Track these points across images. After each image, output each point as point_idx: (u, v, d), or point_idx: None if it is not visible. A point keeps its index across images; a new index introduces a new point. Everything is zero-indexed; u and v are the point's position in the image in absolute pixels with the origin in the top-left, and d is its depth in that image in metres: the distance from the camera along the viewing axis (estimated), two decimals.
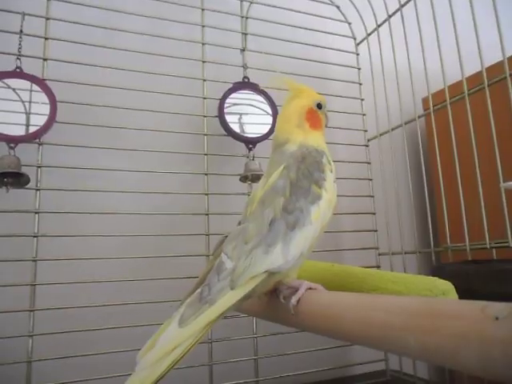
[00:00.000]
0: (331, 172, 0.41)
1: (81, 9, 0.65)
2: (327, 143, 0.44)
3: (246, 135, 0.69)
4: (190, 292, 0.37)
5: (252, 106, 0.71)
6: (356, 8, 0.82)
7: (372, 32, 0.82)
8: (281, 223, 0.35)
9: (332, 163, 0.42)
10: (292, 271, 0.37)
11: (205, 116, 0.70)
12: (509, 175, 0.55)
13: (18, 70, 0.58)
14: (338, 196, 0.41)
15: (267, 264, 0.34)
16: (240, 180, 0.69)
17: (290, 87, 0.45)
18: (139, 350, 0.30)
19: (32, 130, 0.57)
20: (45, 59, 0.61)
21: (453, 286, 0.41)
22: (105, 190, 0.62)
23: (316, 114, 0.45)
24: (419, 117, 0.71)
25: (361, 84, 0.84)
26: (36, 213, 0.57)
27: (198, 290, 0.33)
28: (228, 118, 0.69)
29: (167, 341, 0.30)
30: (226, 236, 0.38)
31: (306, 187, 0.38)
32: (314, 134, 0.44)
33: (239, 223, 0.38)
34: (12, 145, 0.55)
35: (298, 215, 0.36)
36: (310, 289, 0.37)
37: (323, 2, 0.85)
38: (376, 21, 0.80)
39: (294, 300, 0.36)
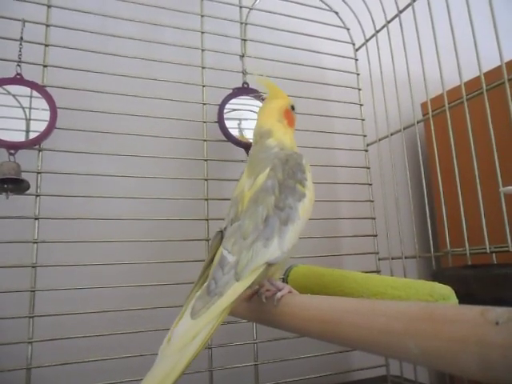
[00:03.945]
0: (309, 172, 0.45)
1: (81, 15, 0.65)
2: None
3: (245, 140, 0.69)
4: (194, 286, 0.40)
5: (251, 111, 0.71)
6: (354, 14, 0.82)
7: (370, 38, 0.82)
8: (275, 219, 0.38)
9: (308, 165, 0.45)
10: (284, 263, 0.41)
11: (204, 122, 0.70)
12: (508, 180, 0.55)
13: (18, 76, 0.58)
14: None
15: (267, 256, 0.37)
16: None
17: (269, 88, 0.53)
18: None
19: (32, 136, 0.57)
20: (45, 65, 0.61)
21: (453, 291, 0.41)
22: (104, 195, 0.62)
23: (291, 113, 0.52)
24: (418, 122, 0.71)
25: (360, 89, 0.84)
26: (36, 219, 0.57)
27: (205, 284, 0.35)
28: (227, 124, 0.69)
29: (183, 332, 0.32)
30: (220, 231, 0.41)
31: (292, 186, 0.41)
32: (289, 132, 0.50)
33: (231, 221, 0.40)
34: (12, 151, 0.55)
35: (288, 212, 0.39)
36: (291, 292, 0.40)
37: (322, 9, 0.85)
38: (374, 26, 0.80)
39: (279, 294, 0.39)
